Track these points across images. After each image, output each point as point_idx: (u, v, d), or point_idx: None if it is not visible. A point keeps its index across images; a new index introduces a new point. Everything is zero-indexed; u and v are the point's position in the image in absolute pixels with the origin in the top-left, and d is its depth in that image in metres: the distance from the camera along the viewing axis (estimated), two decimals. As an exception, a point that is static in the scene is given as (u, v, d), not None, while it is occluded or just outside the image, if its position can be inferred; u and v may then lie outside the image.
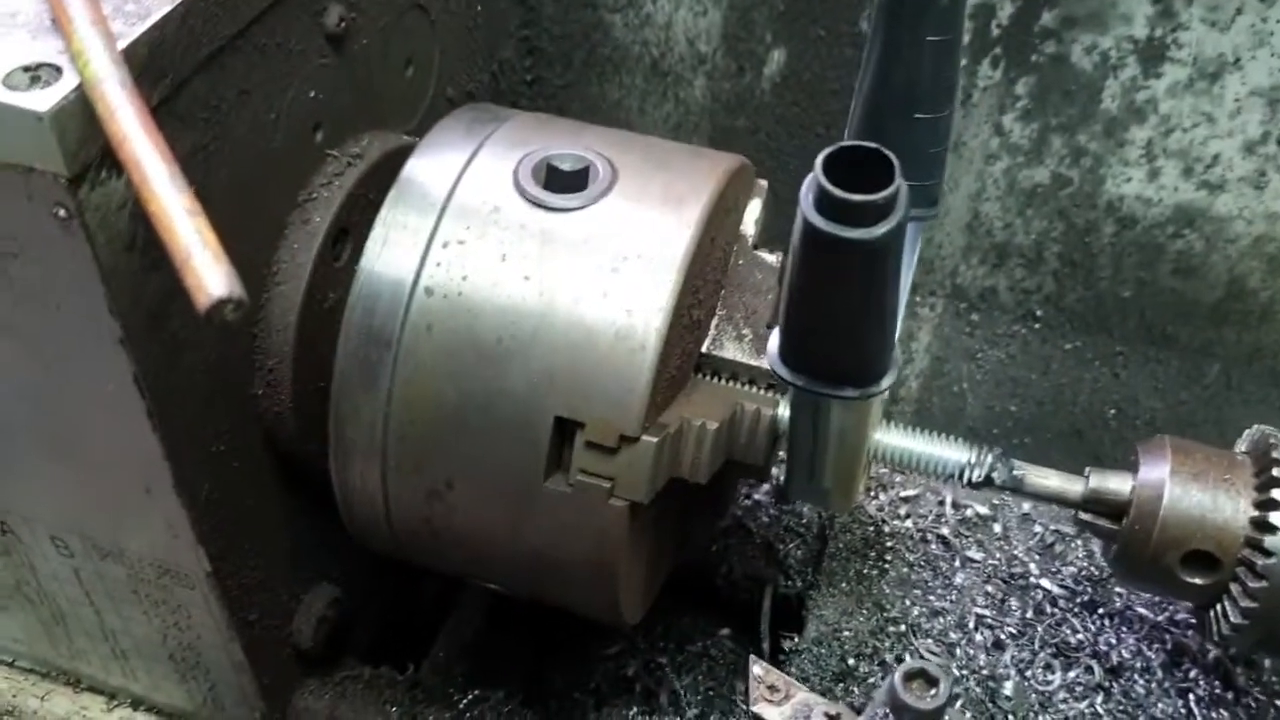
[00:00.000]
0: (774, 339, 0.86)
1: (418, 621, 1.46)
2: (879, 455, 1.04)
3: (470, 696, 1.24)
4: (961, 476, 1.02)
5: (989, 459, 1.02)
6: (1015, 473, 1.01)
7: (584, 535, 0.93)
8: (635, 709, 1.21)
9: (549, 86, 1.52)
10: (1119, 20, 1.28)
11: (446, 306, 0.92)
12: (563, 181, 0.94)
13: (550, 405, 0.90)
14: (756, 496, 1.34)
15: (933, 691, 0.77)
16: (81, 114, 0.73)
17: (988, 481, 1.02)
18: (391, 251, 0.93)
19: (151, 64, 0.78)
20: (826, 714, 0.85)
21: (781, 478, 1.06)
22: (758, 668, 0.89)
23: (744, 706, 1.28)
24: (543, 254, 0.92)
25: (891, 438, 1.04)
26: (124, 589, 1.09)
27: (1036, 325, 1.55)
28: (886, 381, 0.84)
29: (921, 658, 1.11)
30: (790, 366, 0.84)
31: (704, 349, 1.05)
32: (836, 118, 1.45)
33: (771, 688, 0.89)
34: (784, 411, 1.02)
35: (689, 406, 0.97)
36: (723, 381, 1.05)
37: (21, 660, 1.29)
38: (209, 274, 0.58)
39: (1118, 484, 0.99)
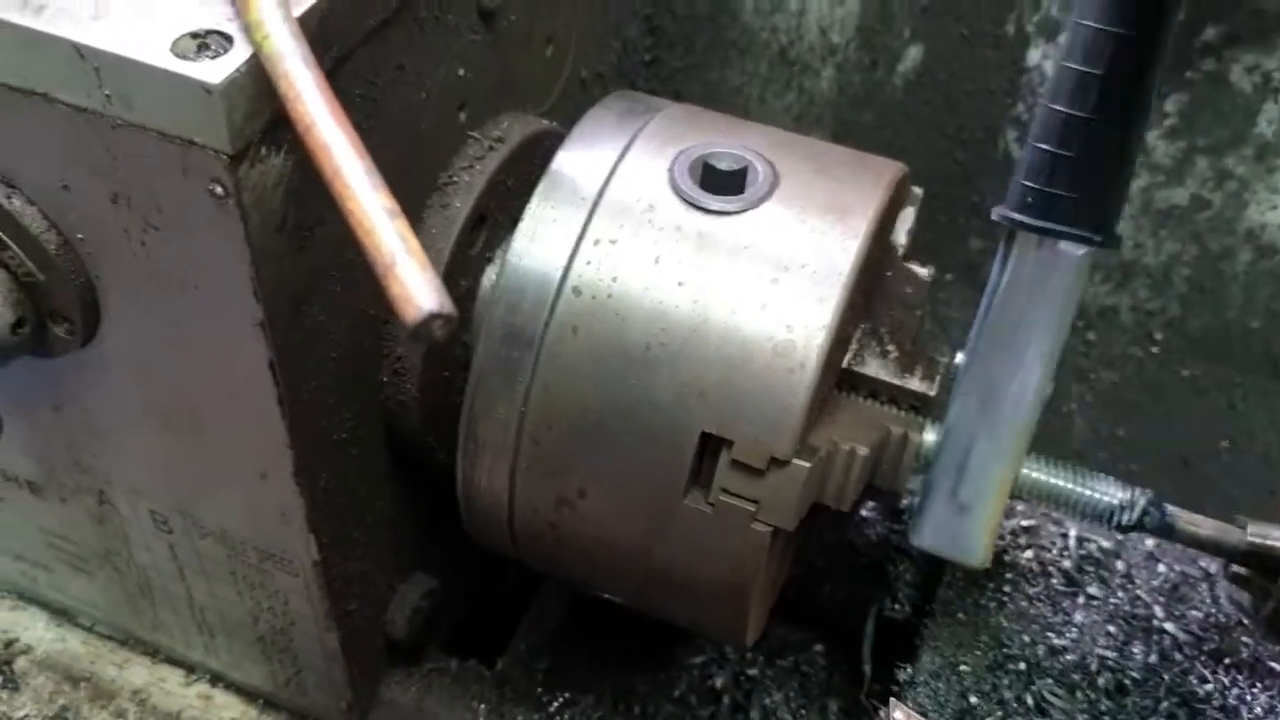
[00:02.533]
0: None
1: (498, 610, 1.43)
2: (1023, 489, 0.99)
3: (561, 700, 1.21)
4: (1111, 518, 0.97)
5: (1142, 501, 0.96)
6: (1168, 519, 0.96)
7: (720, 557, 0.89)
8: (729, 725, 1.17)
9: (667, 68, 1.47)
10: (1287, 41, 1.22)
11: (594, 308, 0.87)
12: (721, 182, 0.89)
13: (697, 420, 0.85)
14: (865, 513, 1.29)
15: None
16: (252, 88, 0.68)
17: (1138, 525, 0.97)
18: (539, 246, 0.88)
19: (320, 35, 0.73)
20: (971, 765, 0.81)
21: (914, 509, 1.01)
22: (899, 712, 0.84)
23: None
24: (699, 259, 0.87)
25: (1038, 471, 0.98)
26: (221, 569, 1.06)
27: (1155, 349, 1.49)
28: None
29: (1043, 699, 1.06)
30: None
31: (845, 364, 1.00)
32: (968, 120, 1.39)
33: (911, 732, 0.84)
34: (930, 437, 0.97)
35: (836, 428, 0.92)
36: (863, 400, 1.00)
37: (100, 626, 1.27)
38: (417, 286, 0.54)
39: (1279, 538, 0.94)
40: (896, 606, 1.23)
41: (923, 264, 1.02)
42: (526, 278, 0.88)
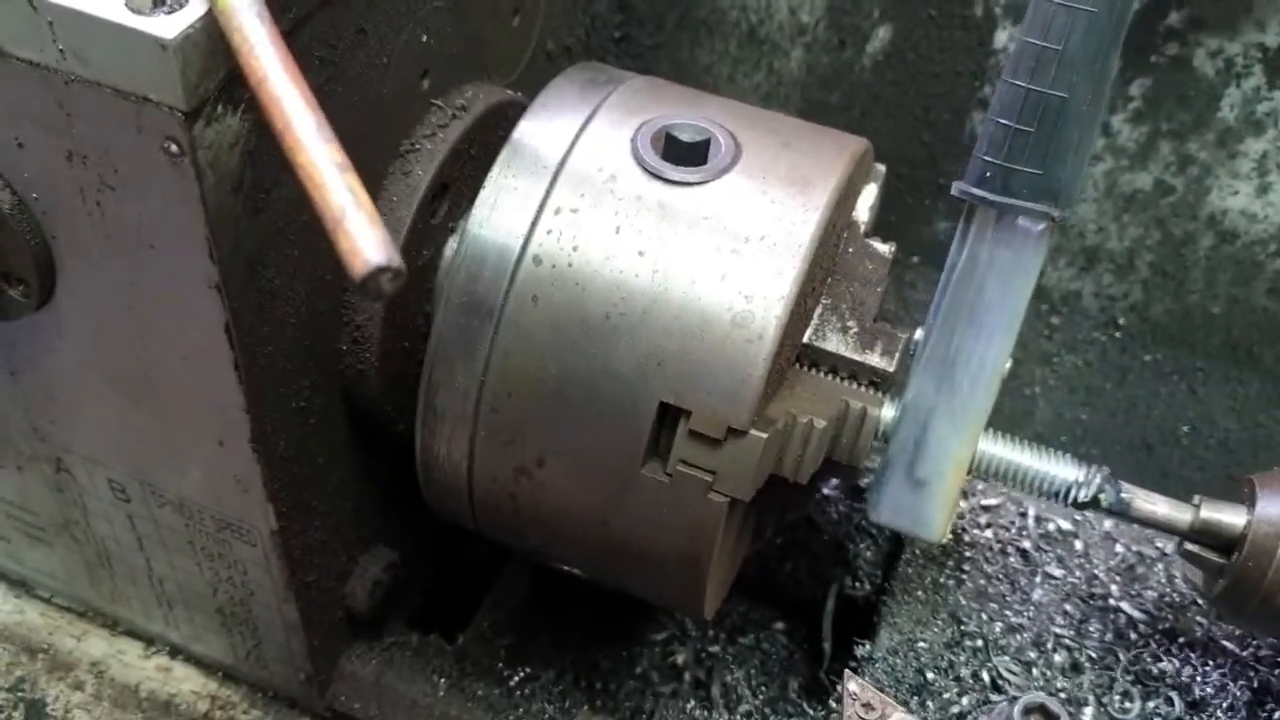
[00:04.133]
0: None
1: (461, 586, 1.43)
2: (981, 466, 0.99)
3: (521, 675, 1.21)
4: (1067, 496, 0.98)
5: (1097, 479, 0.97)
6: (1123, 495, 0.97)
7: (677, 528, 0.89)
8: (692, 701, 1.17)
9: (637, 45, 1.47)
10: (1251, 26, 1.22)
11: (555, 277, 0.87)
12: (683, 153, 0.89)
13: (656, 389, 0.85)
14: (826, 491, 1.30)
15: (1052, 729, 0.73)
16: (207, 44, 0.68)
17: (1093, 503, 0.97)
18: (500, 216, 0.88)
19: (279, -7, 0.72)
20: (923, 737, 0.82)
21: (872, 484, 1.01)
22: (854, 684, 0.85)
23: (800, 703, 1.24)
24: (659, 229, 0.87)
25: (996, 447, 0.99)
26: (179, 539, 1.05)
27: (1118, 334, 1.50)
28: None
29: (999, 675, 1.07)
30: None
31: (806, 339, 1.00)
32: (935, 102, 1.39)
33: (867, 705, 0.85)
34: (889, 413, 0.98)
35: (794, 401, 0.93)
36: (823, 375, 1.01)
37: (59, 598, 1.26)
38: (366, 239, 0.53)
39: (1231, 517, 0.95)
40: (857, 584, 1.24)
41: (885, 241, 1.02)
42: (487, 247, 0.88)
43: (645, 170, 0.88)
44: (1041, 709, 0.73)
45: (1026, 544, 1.19)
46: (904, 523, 1.01)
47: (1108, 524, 1.21)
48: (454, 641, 1.27)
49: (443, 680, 1.19)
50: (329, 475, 1.02)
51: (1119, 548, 1.19)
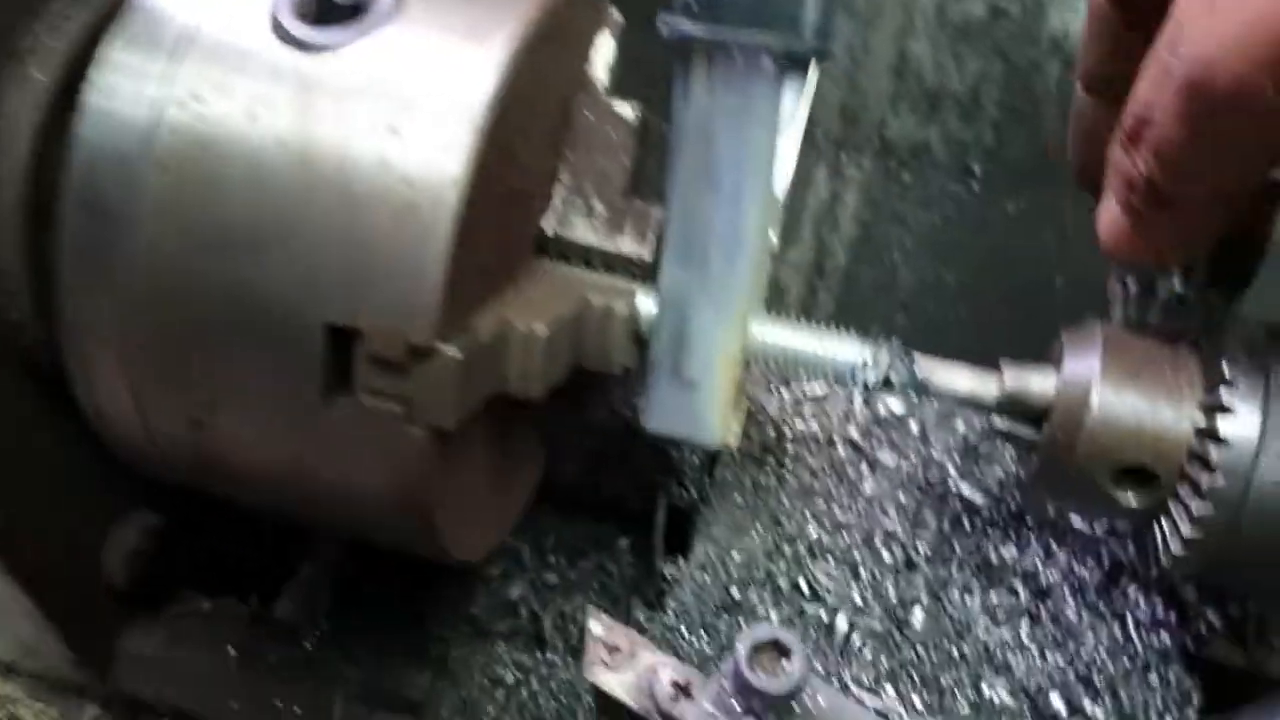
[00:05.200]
0: None
1: (281, 545, 1.30)
2: (755, 355, 0.86)
3: (319, 633, 1.08)
4: (854, 379, 0.84)
5: (886, 357, 0.84)
6: (918, 373, 0.84)
7: (381, 469, 0.75)
8: (503, 645, 1.05)
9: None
10: None
11: (185, 183, 0.72)
12: (327, 11, 0.73)
13: (318, 309, 0.71)
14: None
15: (786, 665, 0.60)
16: None
17: (885, 385, 0.84)
18: (117, 108, 0.73)
19: None
20: (675, 683, 0.69)
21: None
22: (597, 625, 0.72)
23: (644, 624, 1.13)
24: (303, 109, 0.71)
25: (768, 334, 0.85)
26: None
27: (974, 183, 1.36)
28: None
29: (817, 582, 0.95)
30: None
31: (545, 228, 0.86)
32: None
33: (612, 648, 0.73)
34: (648, 306, 0.84)
35: (517, 305, 0.79)
36: (571, 269, 0.87)
37: None
38: None
39: (1039, 384, 0.82)
40: (685, 492, 1.11)
41: (628, 102, 0.87)
42: (101, 150, 0.73)
43: (282, 38, 0.72)
44: (773, 644, 0.60)
45: (854, 432, 1.06)
46: (678, 429, 0.88)
47: (949, 399, 1.08)
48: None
49: (233, 650, 1.07)
50: (32, 454, 0.88)
51: (960, 425, 1.06)
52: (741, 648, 0.60)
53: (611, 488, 1.15)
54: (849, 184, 1.41)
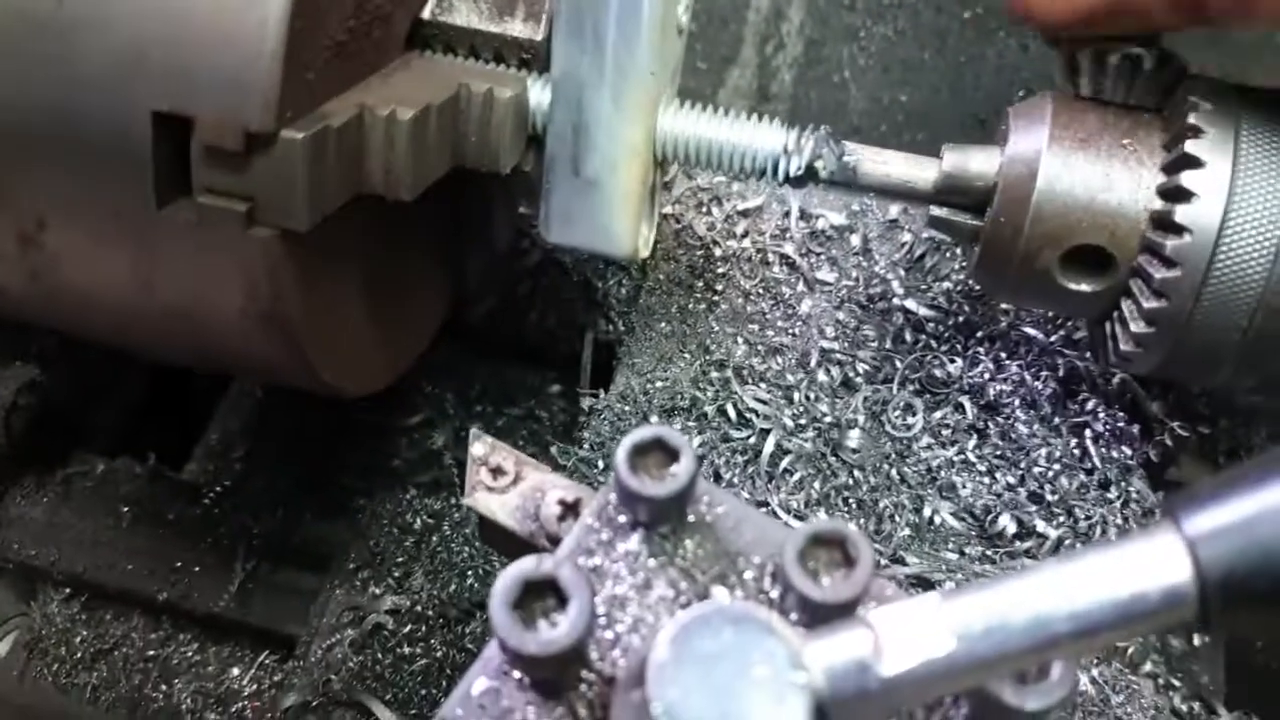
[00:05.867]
0: None
1: (197, 401, 1.22)
2: (666, 148, 0.76)
3: (219, 489, 1.01)
4: (775, 170, 0.75)
5: (810, 143, 0.74)
6: (846, 159, 0.74)
7: (228, 280, 0.67)
8: (414, 492, 0.98)
9: None
10: None
11: (-27, -43, 0.61)
12: None
13: (143, 96, 0.62)
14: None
15: (673, 469, 0.53)
16: None
17: (810, 175, 0.75)
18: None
19: None
20: (562, 501, 0.62)
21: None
22: (479, 445, 0.65)
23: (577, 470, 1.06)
24: None
25: (679, 122, 0.76)
26: None
27: (928, -11, 1.25)
28: None
29: (745, 407, 0.87)
30: None
31: (425, 14, 0.76)
32: None
33: (496, 470, 0.65)
34: (540, 94, 0.74)
35: (381, 91, 0.69)
36: (454, 58, 0.77)
37: None
38: None
39: (982, 163, 0.73)
40: (610, 326, 1.03)
41: None
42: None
43: None
44: (657, 444, 0.53)
45: (790, 249, 0.97)
46: (581, 237, 0.79)
47: (894, 211, 0.99)
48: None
49: (127, 510, 1.00)
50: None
51: (905, 236, 0.97)
52: (622, 450, 0.52)
53: (538, 325, 1.07)
54: (793, -2, 1.30)
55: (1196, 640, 0.85)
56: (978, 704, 0.48)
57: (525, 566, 0.48)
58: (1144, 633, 0.52)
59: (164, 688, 0.95)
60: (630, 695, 0.46)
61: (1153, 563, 0.42)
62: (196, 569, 0.95)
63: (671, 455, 0.53)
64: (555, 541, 0.61)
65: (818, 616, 0.49)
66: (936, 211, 0.75)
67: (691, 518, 0.55)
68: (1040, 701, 0.46)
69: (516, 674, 0.51)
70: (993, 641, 0.42)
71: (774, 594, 0.52)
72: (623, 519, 0.55)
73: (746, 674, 0.42)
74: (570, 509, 0.61)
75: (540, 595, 0.49)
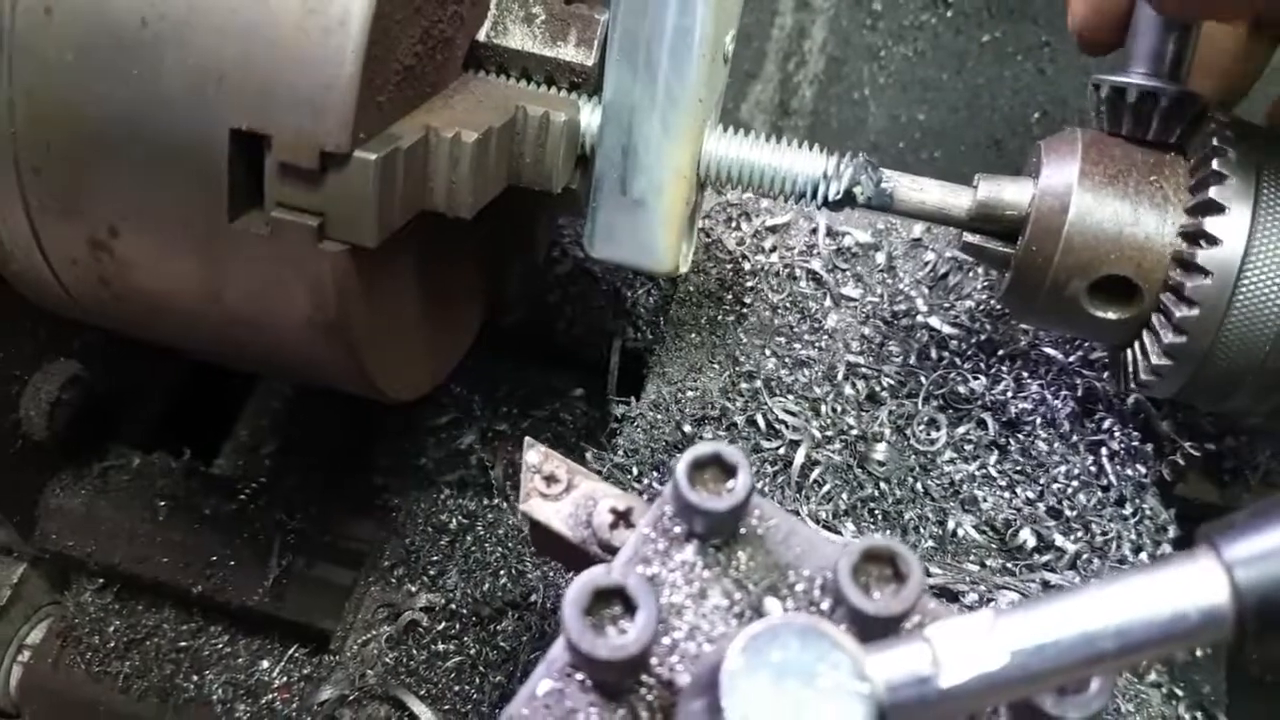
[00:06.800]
0: None
1: (221, 395, 1.24)
2: (709, 171, 0.79)
3: (257, 485, 1.04)
4: (815, 194, 0.78)
5: (849, 170, 0.77)
6: (884, 185, 0.78)
7: (297, 291, 0.69)
8: (449, 493, 1.01)
9: None
10: None
11: (63, -22, 0.64)
12: None
13: (222, 114, 0.64)
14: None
15: (730, 484, 0.56)
16: None
17: (848, 199, 0.78)
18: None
19: None
20: (614, 509, 0.65)
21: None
22: (533, 454, 0.68)
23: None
24: (194, -111, 0.63)
25: (721, 147, 0.79)
26: None
27: (949, 13, 1.28)
28: None
29: (775, 419, 0.90)
30: None
31: (480, 36, 0.78)
32: None
33: (550, 479, 0.68)
34: (591, 116, 0.77)
35: (445, 113, 0.72)
36: (507, 79, 0.80)
37: None
38: None
39: (1015, 194, 0.76)
40: (639, 335, 1.06)
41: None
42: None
43: None
44: (715, 460, 0.56)
45: (817, 264, 1.00)
46: (624, 253, 0.82)
47: (917, 229, 1.02)
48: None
49: (164, 504, 1.02)
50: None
51: (929, 255, 1.01)
52: (681, 465, 0.55)
53: (567, 333, 1.10)
54: (817, 15, 1.33)
55: (1198, 651, 0.89)
56: (1018, 714, 0.51)
57: (596, 575, 0.51)
58: (1182, 650, 0.55)
59: (195, 678, 0.97)
60: (695, 703, 0.49)
61: (1193, 585, 0.45)
62: (232, 563, 0.98)
63: (729, 471, 0.56)
64: (606, 548, 0.64)
65: (866, 629, 0.52)
66: (970, 238, 0.78)
67: (743, 530, 0.58)
68: (1080, 712, 0.49)
69: (580, 676, 0.53)
70: (1043, 657, 0.45)
71: (824, 605, 0.55)
72: (678, 530, 0.58)
73: (813, 683, 0.45)
74: (621, 517, 0.64)
75: (607, 602, 0.51)
